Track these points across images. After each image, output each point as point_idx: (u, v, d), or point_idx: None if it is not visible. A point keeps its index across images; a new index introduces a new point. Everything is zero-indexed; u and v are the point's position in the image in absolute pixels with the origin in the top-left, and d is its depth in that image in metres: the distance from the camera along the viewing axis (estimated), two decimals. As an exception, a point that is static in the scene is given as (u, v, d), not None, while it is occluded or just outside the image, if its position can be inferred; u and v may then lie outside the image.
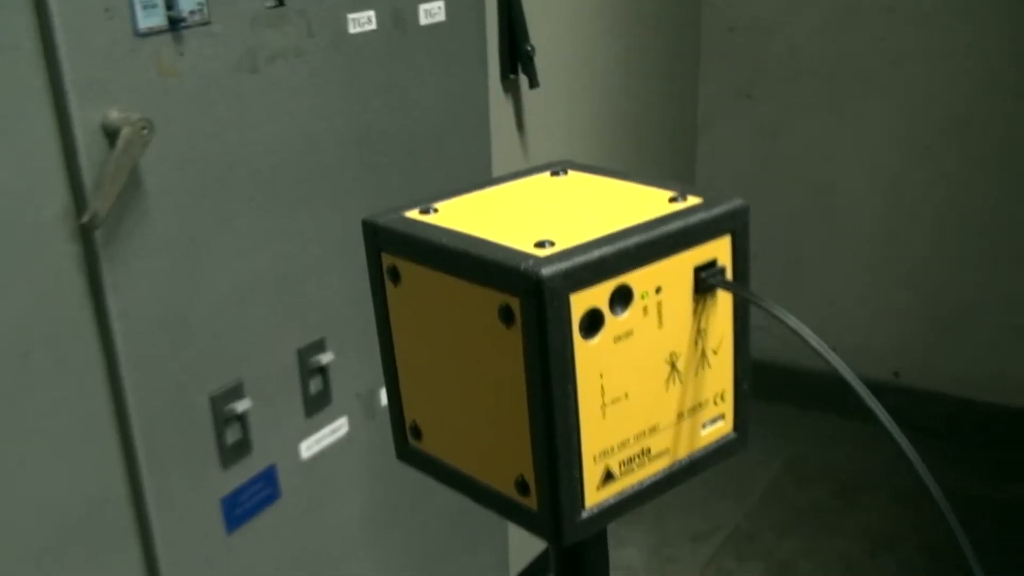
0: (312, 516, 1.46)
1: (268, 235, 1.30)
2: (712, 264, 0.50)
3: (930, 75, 2.47)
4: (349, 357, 1.47)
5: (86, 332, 1.12)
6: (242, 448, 1.33)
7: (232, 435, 1.31)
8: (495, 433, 0.49)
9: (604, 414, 0.47)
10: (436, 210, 0.51)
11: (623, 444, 0.49)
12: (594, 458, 0.48)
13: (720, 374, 0.52)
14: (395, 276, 0.51)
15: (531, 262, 0.44)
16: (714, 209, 0.49)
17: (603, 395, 0.47)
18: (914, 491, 2.40)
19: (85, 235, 1.09)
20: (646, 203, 0.50)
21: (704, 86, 2.72)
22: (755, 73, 2.67)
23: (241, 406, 1.30)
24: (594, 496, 0.48)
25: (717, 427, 0.53)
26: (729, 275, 0.51)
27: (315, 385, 1.43)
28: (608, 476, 0.48)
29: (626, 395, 0.48)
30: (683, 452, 0.51)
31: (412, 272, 0.50)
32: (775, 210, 2.71)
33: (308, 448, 1.43)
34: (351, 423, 1.50)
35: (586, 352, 0.46)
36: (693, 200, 0.50)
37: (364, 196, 1.44)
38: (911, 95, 2.50)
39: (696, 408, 0.51)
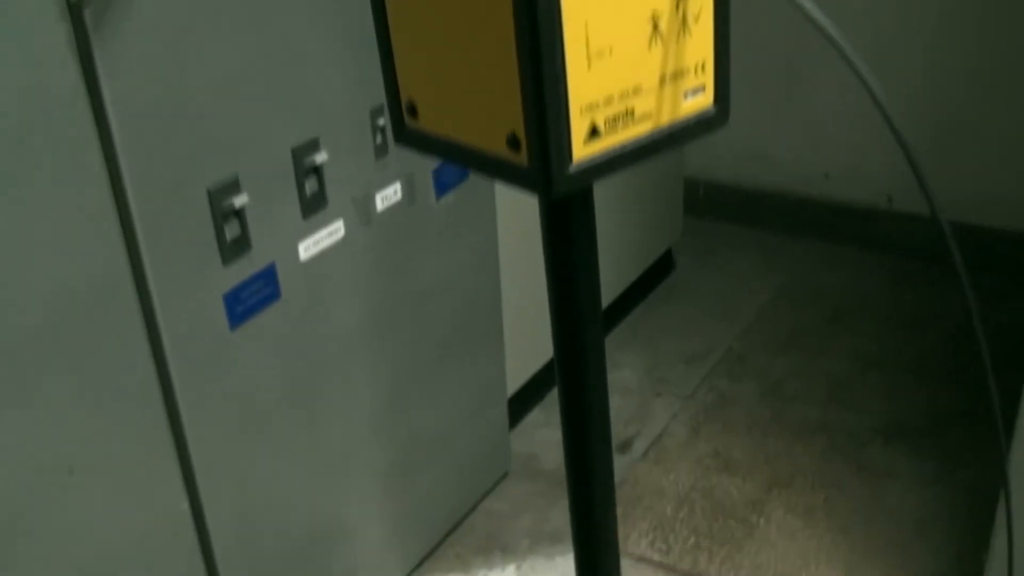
0: (312, 317, 1.49)
1: (258, 24, 1.29)
2: (697, -75, 0.50)
3: None
4: (343, 160, 1.47)
5: (82, 117, 1.12)
6: (241, 245, 1.35)
7: (231, 231, 1.33)
8: (487, 95, 0.50)
9: (589, 66, 0.48)
10: None
11: (608, 100, 0.50)
12: (580, 111, 0.49)
13: (701, 43, 0.53)
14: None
15: (515, -100, 0.44)
16: None
17: (588, 46, 0.48)
18: (905, 315, 2.45)
19: (75, 15, 1.09)
20: None
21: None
22: None
23: (239, 201, 1.31)
24: (581, 150, 0.50)
25: (698, 99, 0.54)
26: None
27: (310, 186, 1.44)
28: (594, 131, 0.50)
29: (610, 49, 0.49)
30: (665, 118, 0.53)
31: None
32: (769, 35, 2.68)
33: (306, 249, 1.46)
34: (347, 227, 1.51)
35: (572, -1, 0.46)
36: None
37: (353, -6, 1.42)
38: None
39: (677, 75, 0.52)
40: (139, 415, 1.27)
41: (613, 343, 2.45)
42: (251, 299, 1.39)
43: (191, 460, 1.35)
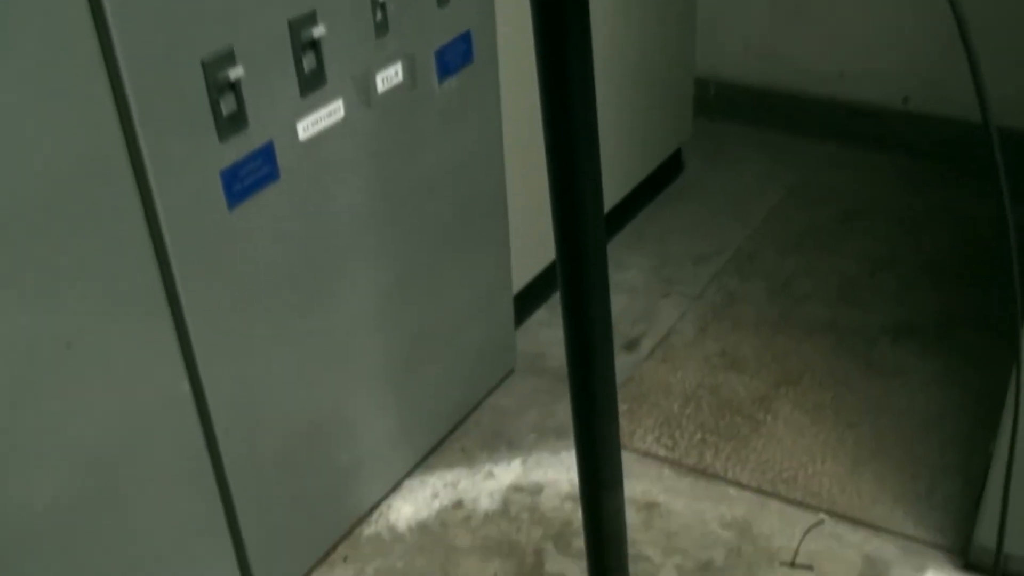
0: (312, 200, 1.45)
1: None
2: None
3: None
4: (342, 36, 1.42)
5: (66, -24, 1.07)
6: (238, 120, 1.30)
7: (227, 105, 1.28)
8: None
9: None
10: None
11: None
12: None
13: None
14: None
15: None
16: None
17: None
18: (917, 216, 2.40)
19: None
20: None
21: None
22: None
23: (234, 73, 1.26)
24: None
25: None
26: None
27: (308, 62, 1.38)
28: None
29: None
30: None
31: None
32: (787, -73, 2.59)
33: (305, 129, 1.41)
34: (347, 107, 1.46)
35: None
36: None
37: None
38: None
39: None
40: (137, 292, 1.24)
41: (620, 244, 2.41)
42: (249, 178, 1.34)
43: (191, 341, 1.31)
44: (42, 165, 1.09)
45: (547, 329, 2.15)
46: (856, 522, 1.70)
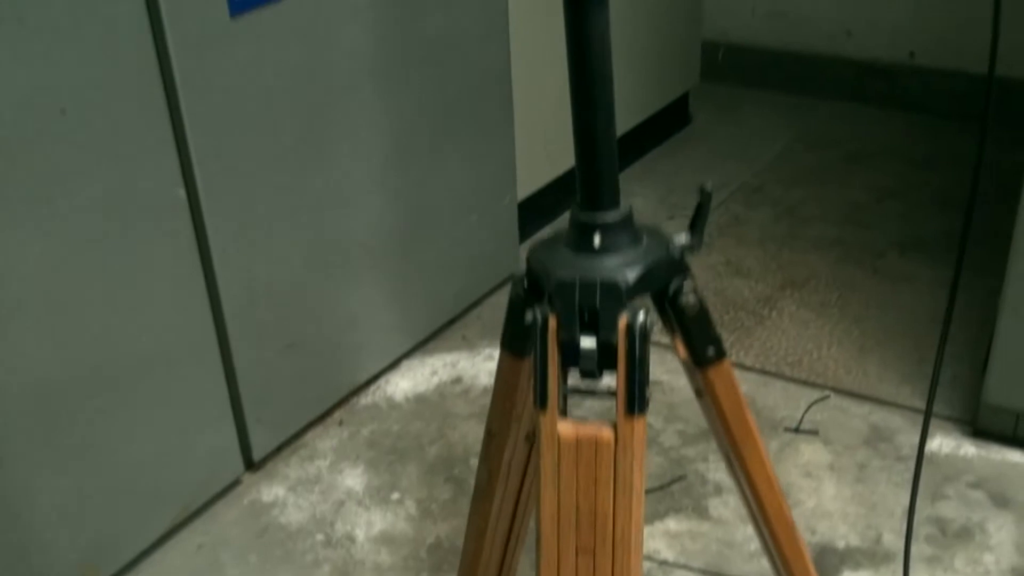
0: (314, 33, 1.47)
1: None
2: None
3: None
4: None
5: None
6: (243, -69, 1.32)
7: (232, -88, 1.30)
8: None
9: None
10: None
11: None
12: None
13: None
14: None
15: None
16: None
17: None
18: (924, 158, 2.40)
19: None
20: None
21: None
22: None
23: None
24: None
25: None
26: None
27: None
28: None
29: None
30: None
31: None
32: None
33: (310, -42, 1.43)
34: (353, -51, 1.49)
35: None
36: None
37: None
38: None
39: None
40: (135, 71, 1.24)
41: (627, 177, 2.41)
42: (252, -9, 1.36)
43: (188, 144, 1.32)
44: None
45: (552, 243, 2.14)
46: (862, 397, 1.67)
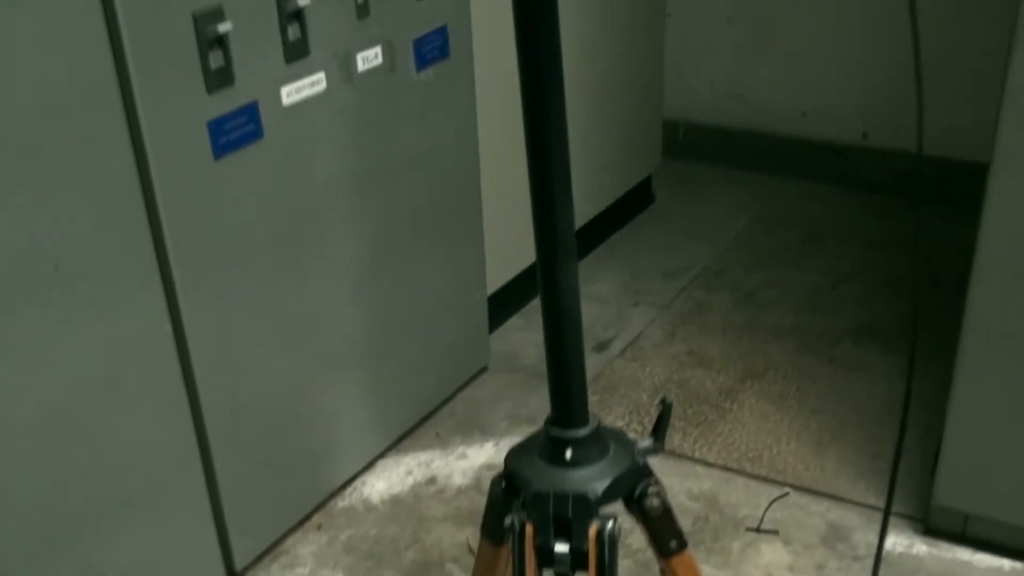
0: (293, 164, 1.53)
1: None
2: None
3: None
4: (325, 10, 1.52)
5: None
6: (225, 76, 1.39)
7: (215, 60, 1.37)
8: None
9: None
10: None
11: None
12: None
13: None
14: None
15: None
16: None
17: None
18: (878, 239, 2.50)
19: None
20: None
21: None
22: None
23: (223, 27, 1.35)
24: None
25: None
26: None
27: (293, 31, 1.48)
28: None
29: None
30: None
31: None
32: (747, -29, 2.75)
33: (288, 95, 1.50)
34: (329, 80, 1.56)
35: None
36: None
37: None
38: None
39: None
40: (123, 222, 1.31)
41: (591, 262, 2.49)
42: (234, 132, 1.43)
43: (174, 282, 1.38)
44: (41, 95, 1.17)
45: (521, 333, 2.21)
46: (820, 494, 1.75)
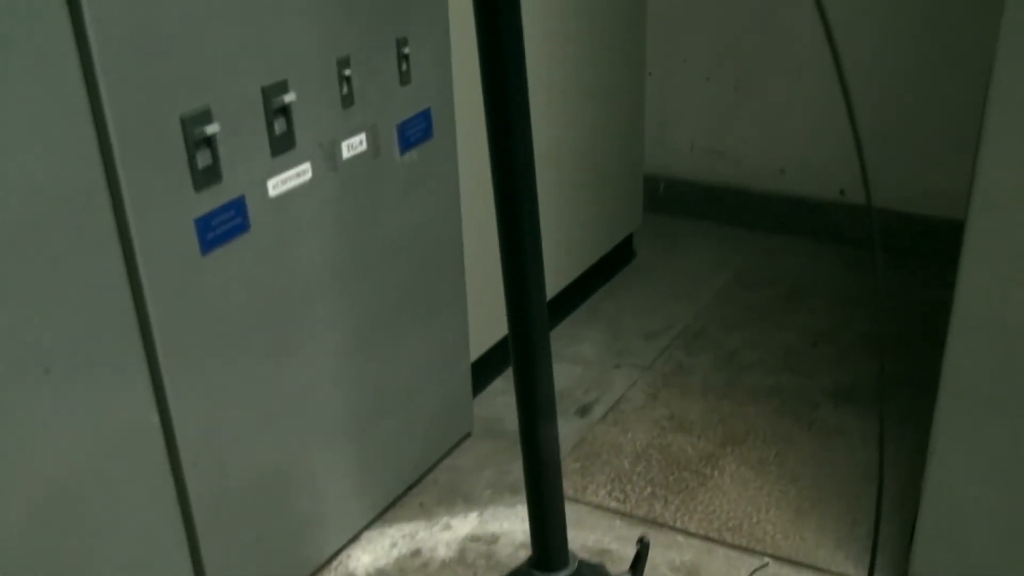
0: (280, 253, 1.57)
1: (230, -35, 1.38)
2: None
3: None
4: (311, 104, 1.56)
5: (64, 35, 1.20)
6: (212, 174, 1.42)
7: (203, 159, 1.41)
8: None
9: None
10: None
11: None
12: None
13: None
14: None
15: None
16: None
17: None
18: (855, 296, 2.54)
19: (57, -66, 1.17)
20: None
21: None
22: None
23: (210, 129, 1.39)
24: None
25: None
26: None
27: (279, 126, 1.52)
28: None
29: None
30: None
31: None
32: (722, 32, 2.80)
33: (275, 187, 1.53)
34: (314, 170, 1.59)
35: None
36: None
37: (321, -56, 1.52)
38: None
39: None
40: (112, 322, 1.33)
41: (575, 322, 2.53)
42: (221, 227, 1.46)
43: (162, 375, 1.41)
44: (30, 199, 1.21)
45: (504, 397, 2.25)
46: (799, 564, 1.78)
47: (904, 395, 2.19)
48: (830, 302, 2.57)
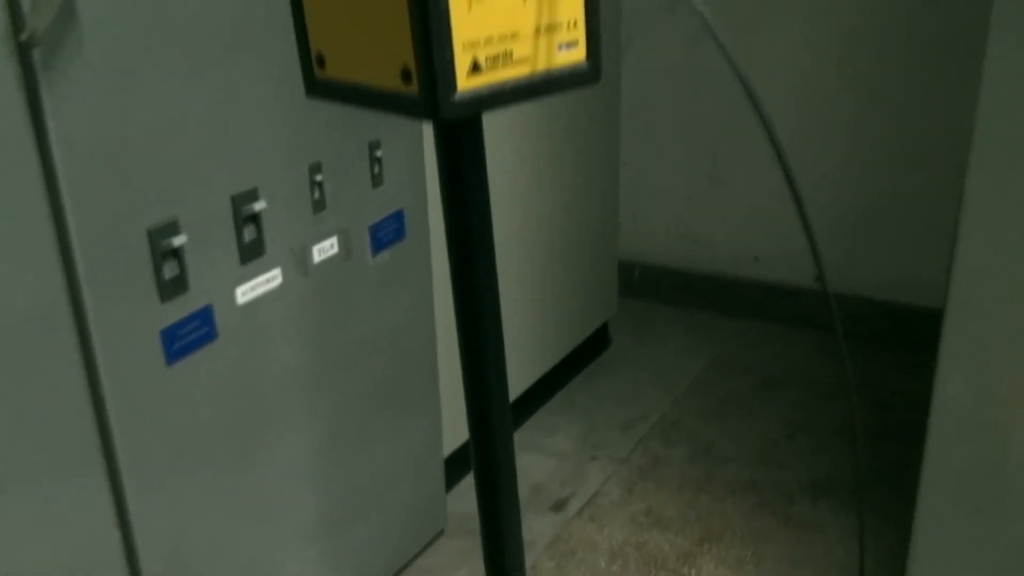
0: (248, 360, 1.54)
1: (202, 75, 1.37)
2: None
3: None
4: (281, 211, 1.55)
5: (28, 152, 1.19)
6: (179, 284, 1.40)
7: (170, 271, 1.39)
8: (383, 36, 0.58)
9: (470, 7, 0.57)
10: None
11: (488, 40, 0.58)
12: (463, 46, 0.57)
13: (573, 1, 0.61)
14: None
15: None
16: None
17: (468, -10, 0.56)
18: (830, 385, 2.54)
19: (23, 54, 1.16)
20: None
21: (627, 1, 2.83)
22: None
23: (177, 241, 1.37)
24: (465, 82, 0.57)
25: (572, 52, 0.62)
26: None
27: (249, 233, 1.50)
28: (475, 66, 0.58)
29: (488, -4, 0.57)
30: (541, 65, 0.61)
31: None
32: (696, 120, 2.83)
33: (243, 294, 1.51)
34: (284, 275, 1.58)
35: (453, -53, 0.55)
36: None
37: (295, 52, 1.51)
38: (827, 4, 2.63)
39: (551, 27, 0.61)
40: (73, 442, 1.30)
41: (550, 411, 2.51)
42: (188, 337, 1.44)
43: (123, 491, 1.37)
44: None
45: (479, 494, 2.21)
46: (778, 672, 1.74)
47: (883, 489, 2.17)
48: (806, 391, 2.56)
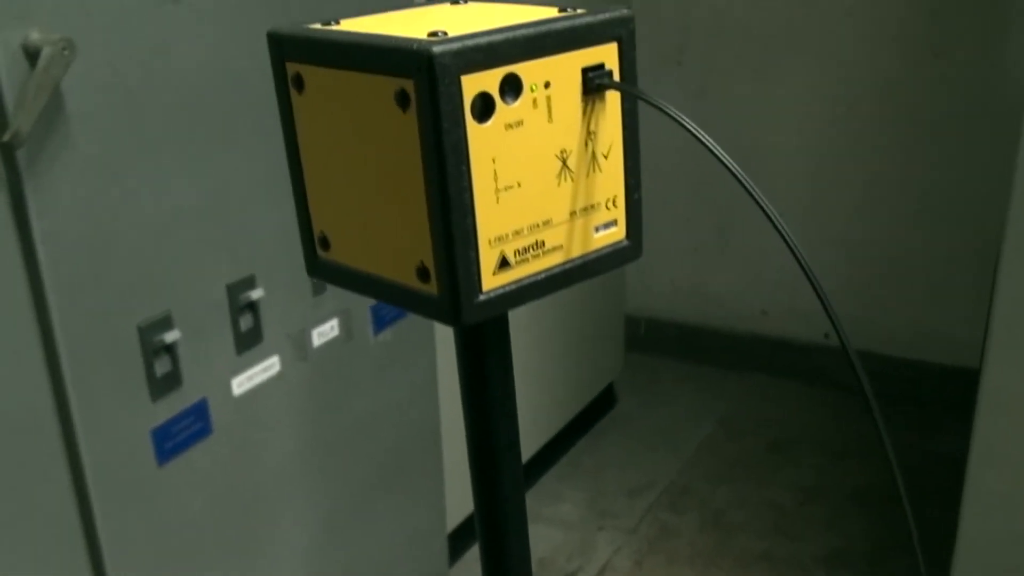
0: (244, 453, 1.47)
1: (193, 166, 1.31)
2: (600, 67, 0.53)
3: (854, 35, 2.54)
4: (279, 296, 1.48)
5: (10, 252, 1.12)
6: (172, 380, 1.33)
7: (162, 367, 1.32)
8: (396, 226, 0.51)
9: (498, 199, 0.50)
10: (338, 23, 0.53)
11: (517, 233, 0.51)
12: (489, 242, 0.50)
13: (611, 179, 0.55)
14: (299, 83, 0.53)
15: (423, 44, 0.46)
16: (600, 16, 0.52)
17: (496, 180, 0.49)
18: (843, 446, 2.47)
19: (7, 154, 1.10)
20: (536, 13, 0.53)
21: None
22: (682, 37, 2.72)
23: (170, 337, 1.30)
24: (491, 281, 0.51)
25: (610, 232, 0.56)
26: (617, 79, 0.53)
27: (245, 322, 1.44)
28: (504, 263, 0.51)
29: (519, 184, 0.50)
30: (576, 251, 0.54)
31: (314, 76, 0.52)
32: (704, 174, 2.77)
33: (240, 385, 1.44)
34: (283, 362, 1.51)
35: (479, 135, 0.48)
36: (581, 12, 0.53)
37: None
38: (836, 56, 2.57)
39: (588, 209, 0.54)
40: (58, 545, 1.23)
41: (556, 477, 2.43)
42: (181, 434, 1.36)
43: (113, 602, 1.30)
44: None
45: (483, 569, 2.13)
46: None
47: (897, 557, 2.10)
48: (817, 453, 2.49)
